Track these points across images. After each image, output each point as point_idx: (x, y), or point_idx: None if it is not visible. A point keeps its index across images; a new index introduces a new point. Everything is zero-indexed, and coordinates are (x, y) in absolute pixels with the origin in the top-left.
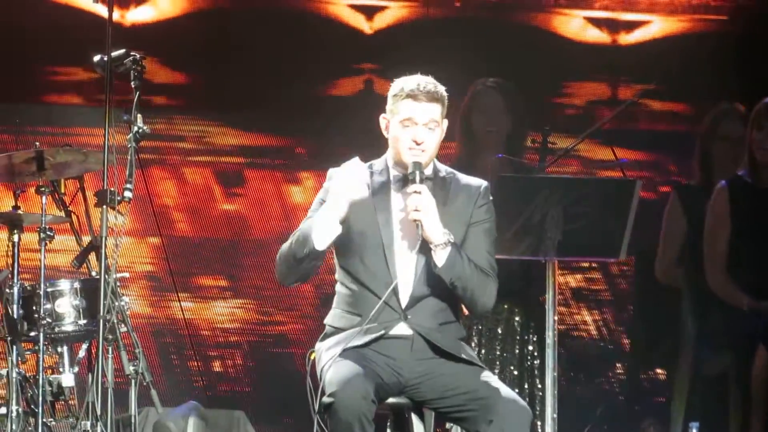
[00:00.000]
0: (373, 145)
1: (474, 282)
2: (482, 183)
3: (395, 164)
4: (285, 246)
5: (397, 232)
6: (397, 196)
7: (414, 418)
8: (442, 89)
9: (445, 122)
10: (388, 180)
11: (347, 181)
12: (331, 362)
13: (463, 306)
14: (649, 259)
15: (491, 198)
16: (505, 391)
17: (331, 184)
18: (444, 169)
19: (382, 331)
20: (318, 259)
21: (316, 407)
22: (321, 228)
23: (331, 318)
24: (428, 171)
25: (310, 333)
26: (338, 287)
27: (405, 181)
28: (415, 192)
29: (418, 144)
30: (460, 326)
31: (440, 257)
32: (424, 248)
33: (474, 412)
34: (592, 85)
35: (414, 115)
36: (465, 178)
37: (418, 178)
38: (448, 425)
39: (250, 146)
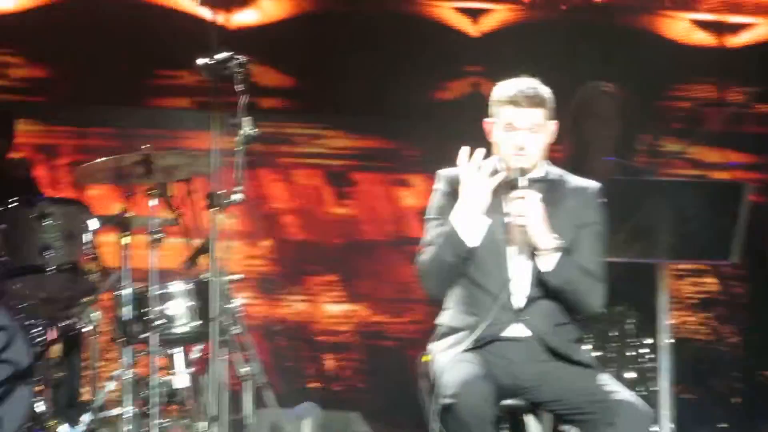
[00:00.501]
0: (479, 147)
1: (581, 286)
2: (593, 185)
3: (502, 168)
4: (429, 261)
5: (513, 235)
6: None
7: (531, 420)
8: (545, 92)
9: (552, 123)
10: (498, 184)
11: (478, 172)
12: (449, 364)
13: None
14: (763, 261)
15: (603, 200)
16: (626, 393)
17: (464, 179)
18: (555, 171)
19: (497, 333)
20: (469, 258)
21: (434, 408)
22: (467, 225)
23: (445, 318)
24: (539, 173)
25: (423, 333)
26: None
27: (511, 185)
28: (519, 197)
29: (520, 149)
30: (575, 327)
31: (548, 262)
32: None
33: (594, 414)
34: (700, 88)
35: (515, 121)
36: (576, 180)
37: (520, 183)
38: (565, 427)
39: (359, 149)
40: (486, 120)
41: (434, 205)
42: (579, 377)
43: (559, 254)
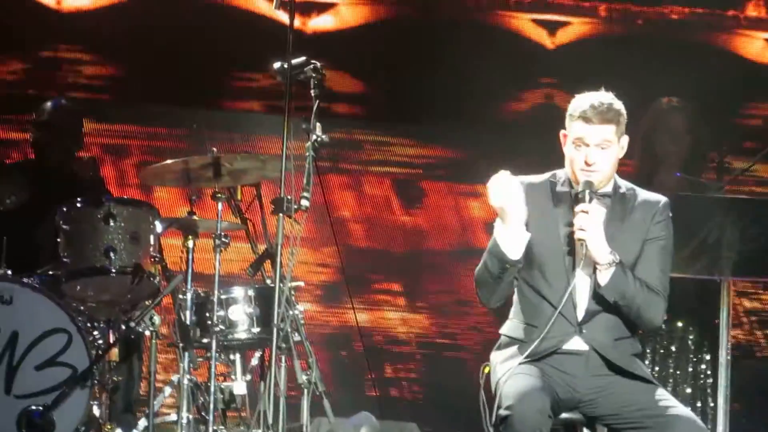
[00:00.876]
0: (550, 159)
1: (639, 300)
2: (661, 199)
3: (573, 180)
4: (479, 269)
5: (578, 247)
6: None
7: None
8: (618, 107)
9: (624, 139)
10: (569, 191)
11: (501, 189)
12: (507, 375)
13: None
14: None
15: (670, 215)
16: (682, 409)
17: (490, 198)
18: (624, 185)
19: (557, 345)
20: (516, 271)
21: (492, 420)
22: (506, 239)
23: (508, 328)
24: (608, 188)
25: (484, 344)
26: (515, 298)
27: (576, 198)
28: (582, 212)
29: (588, 165)
30: (635, 341)
31: (604, 277)
32: None
33: (649, 429)
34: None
35: (585, 136)
36: (644, 194)
37: (587, 198)
38: None
39: (430, 157)
40: (562, 131)
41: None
42: (636, 392)
43: (614, 269)
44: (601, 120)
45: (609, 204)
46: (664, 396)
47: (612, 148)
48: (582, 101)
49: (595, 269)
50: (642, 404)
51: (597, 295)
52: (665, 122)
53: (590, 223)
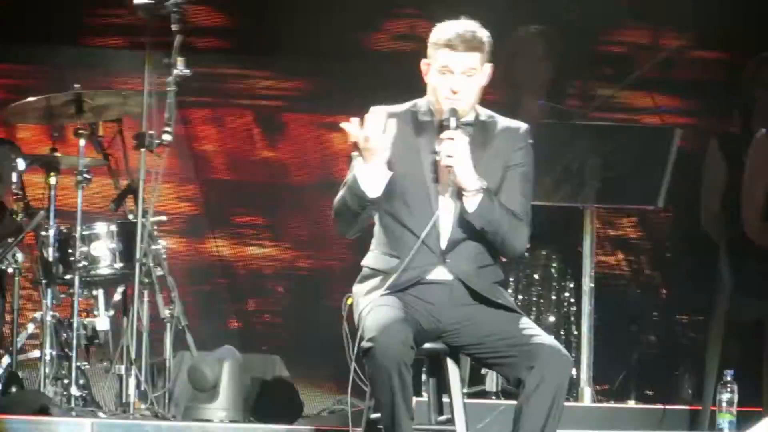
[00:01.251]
0: (412, 89)
1: (505, 227)
2: (522, 125)
3: (435, 110)
4: (338, 202)
5: (441, 175)
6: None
7: (450, 363)
8: (483, 35)
9: (488, 67)
10: (431, 120)
11: (368, 126)
12: (370, 307)
13: None
14: (690, 209)
15: (531, 141)
16: (546, 338)
17: (363, 134)
18: (484, 113)
19: (420, 276)
20: (375, 207)
21: (354, 352)
22: (367, 176)
23: (370, 260)
24: (470, 117)
25: (347, 276)
26: (376, 229)
27: (442, 128)
28: (449, 138)
29: (454, 93)
30: (497, 269)
31: (471, 204)
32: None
33: (513, 358)
34: (634, 33)
35: (450, 64)
36: (505, 121)
37: (453, 125)
38: (483, 371)
39: (291, 90)
40: (424, 60)
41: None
42: (499, 321)
43: (481, 195)
44: (467, 47)
45: (471, 132)
46: (527, 325)
47: (477, 76)
48: (446, 29)
49: (460, 196)
50: (505, 333)
51: (461, 224)
52: (526, 49)
53: (457, 150)
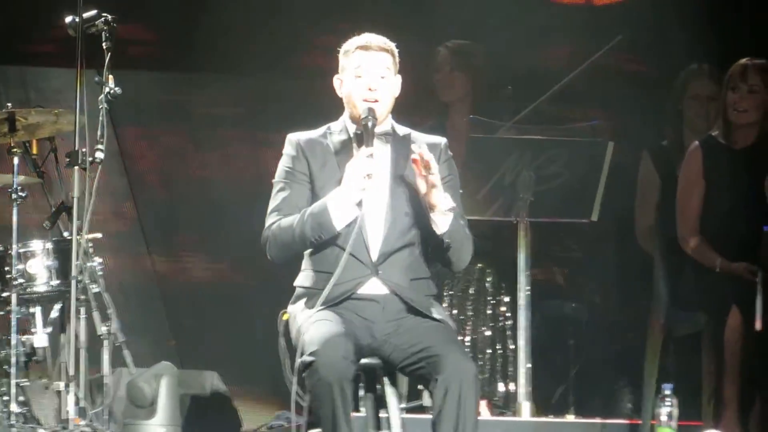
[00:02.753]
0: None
1: (464, 242)
2: (442, 140)
3: (353, 122)
4: (283, 229)
5: (364, 185)
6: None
7: (386, 379)
8: (392, 44)
9: (398, 77)
10: (348, 138)
11: (358, 168)
12: (309, 322)
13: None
14: (627, 223)
15: (451, 154)
16: (454, 347)
17: (346, 171)
18: (401, 129)
19: (353, 289)
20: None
21: (295, 368)
22: (339, 211)
23: (301, 279)
24: (386, 127)
25: (282, 294)
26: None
27: (362, 136)
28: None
29: (371, 90)
30: (431, 282)
31: (443, 223)
32: (395, 203)
33: (425, 369)
34: (564, 46)
35: (364, 64)
36: (423, 137)
37: (370, 124)
38: (420, 386)
39: (226, 107)
40: (336, 76)
41: (283, 170)
42: (423, 333)
43: (451, 215)
44: (379, 48)
45: (391, 143)
46: (447, 336)
47: (390, 79)
48: (356, 37)
49: (390, 208)
50: (423, 344)
51: (392, 235)
52: (439, 62)
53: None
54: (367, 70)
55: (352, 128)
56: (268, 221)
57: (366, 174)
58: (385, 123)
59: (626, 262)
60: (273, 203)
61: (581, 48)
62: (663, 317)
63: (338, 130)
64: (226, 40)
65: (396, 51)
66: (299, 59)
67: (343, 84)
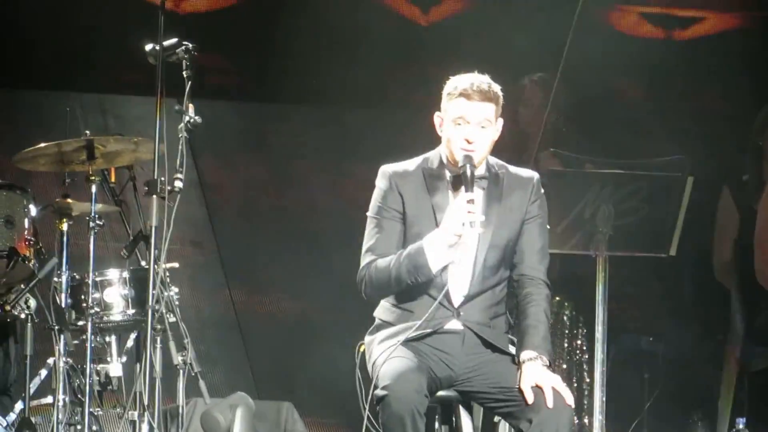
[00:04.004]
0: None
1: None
2: (534, 175)
3: (449, 163)
4: (379, 272)
5: (464, 232)
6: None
7: (462, 411)
8: (496, 88)
9: (500, 121)
10: (444, 178)
11: (459, 214)
12: (384, 356)
13: None
14: (705, 258)
15: (542, 191)
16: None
17: (446, 215)
18: (496, 164)
19: (435, 327)
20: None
21: (368, 400)
22: (436, 254)
23: (381, 312)
24: (482, 170)
25: (360, 326)
26: None
27: (458, 180)
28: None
29: (469, 143)
30: (508, 317)
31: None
32: (482, 246)
33: (517, 408)
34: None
35: (466, 114)
36: (516, 171)
37: (468, 172)
38: (496, 419)
39: (306, 138)
40: (437, 113)
41: (376, 205)
42: (507, 370)
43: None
44: (482, 98)
45: (485, 186)
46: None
47: (490, 128)
48: (461, 80)
49: (477, 254)
50: (511, 383)
51: (477, 281)
52: (525, 98)
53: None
54: (468, 121)
55: (449, 167)
56: (364, 260)
57: (467, 221)
58: (481, 166)
59: (703, 296)
60: (367, 242)
61: (659, 82)
62: (738, 351)
63: (434, 167)
64: (305, 70)
65: (500, 96)
66: (383, 91)
67: (443, 124)
